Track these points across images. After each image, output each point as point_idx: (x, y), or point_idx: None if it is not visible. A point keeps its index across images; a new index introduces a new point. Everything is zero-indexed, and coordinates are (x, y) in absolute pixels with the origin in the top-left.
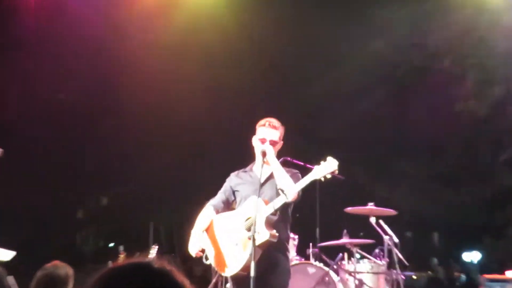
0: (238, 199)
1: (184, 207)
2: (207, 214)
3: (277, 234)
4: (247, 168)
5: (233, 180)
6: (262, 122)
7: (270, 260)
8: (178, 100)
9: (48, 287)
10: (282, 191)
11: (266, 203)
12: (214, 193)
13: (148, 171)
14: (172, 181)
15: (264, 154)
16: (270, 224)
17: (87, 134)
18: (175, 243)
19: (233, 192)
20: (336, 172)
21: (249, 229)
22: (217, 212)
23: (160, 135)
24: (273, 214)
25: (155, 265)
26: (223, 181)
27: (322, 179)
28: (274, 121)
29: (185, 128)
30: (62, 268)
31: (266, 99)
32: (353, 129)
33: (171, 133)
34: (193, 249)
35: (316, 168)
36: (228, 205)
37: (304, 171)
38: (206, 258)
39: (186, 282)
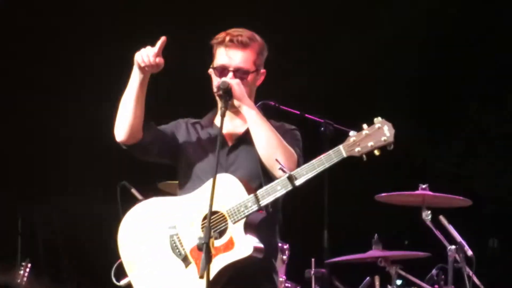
0: (183, 172)
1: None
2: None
3: (262, 246)
4: (204, 120)
5: (181, 130)
6: (220, 36)
7: None
8: None
9: None
10: (283, 167)
11: (245, 185)
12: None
13: None
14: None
15: (225, 93)
16: (252, 227)
17: None
18: (61, 254)
19: (173, 150)
20: (391, 147)
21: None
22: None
23: None
24: (260, 210)
25: None
26: None
27: (364, 157)
28: (242, 34)
29: None
30: None
31: None
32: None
33: None
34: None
35: (355, 137)
36: (161, 153)
37: (311, 136)
38: (119, 280)
39: None
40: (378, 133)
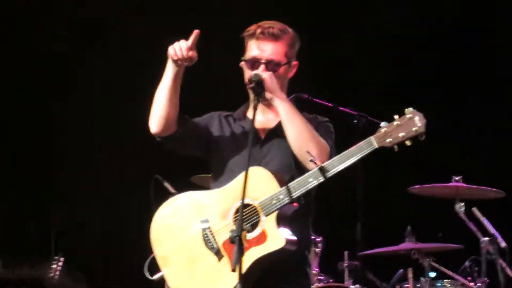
0: (216, 165)
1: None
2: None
3: (295, 239)
4: (237, 113)
5: (215, 123)
6: (251, 29)
7: (277, 284)
8: None
9: None
10: (314, 159)
11: (278, 178)
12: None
13: None
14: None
15: (257, 86)
16: (285, 220)
17: None
18: (94, 250)
19: (207, 143)
20: (423, 137)
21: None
22: None
23: None
24: (292, 202)
25: (52, 283)
26: None
27: (396, 147)
28: (274, 26)
29: None
30: None
31: None
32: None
33: None
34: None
35: (386, 128)
36: (194, 146)
37: (344, 127)
38: (152, 274)
39: None
40: (409, 123)
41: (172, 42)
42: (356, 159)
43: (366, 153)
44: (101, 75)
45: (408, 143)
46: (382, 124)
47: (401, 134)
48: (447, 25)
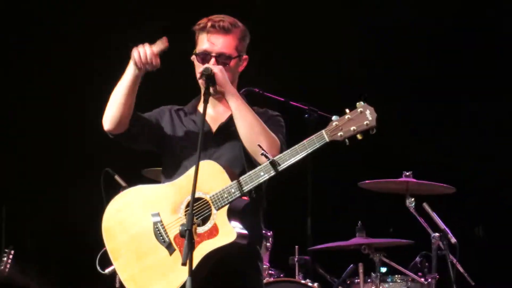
0: (167, 159)
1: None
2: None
3: (246, 233)
4: (188, 107)
5: (165, 117)
6: (202, 22)
7: (228, 278)
8: None
9: None
10: (265, 153)
11: (229, 172)
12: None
13: None
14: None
15: (208, 80)
16: (236, 214)
17: None
18: (46, 243)
19: (158, 137)
20: (374, 131)
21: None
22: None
23: None
24: (243, 196)
25: (1, 275)
26: None
27: (347, 141)
28: (224, 19)
29: None
30: None
31: None
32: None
33: None
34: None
35: (337, 121)
36: (147, 141)
37: (295, 121)
38: (104, 268)
39: None
40: (361, 117)
41: (136, 45)
42: (307, 152)
43: (317, 146)
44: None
45: (359, 136)
46: (334, 118)
47: (352, 128)
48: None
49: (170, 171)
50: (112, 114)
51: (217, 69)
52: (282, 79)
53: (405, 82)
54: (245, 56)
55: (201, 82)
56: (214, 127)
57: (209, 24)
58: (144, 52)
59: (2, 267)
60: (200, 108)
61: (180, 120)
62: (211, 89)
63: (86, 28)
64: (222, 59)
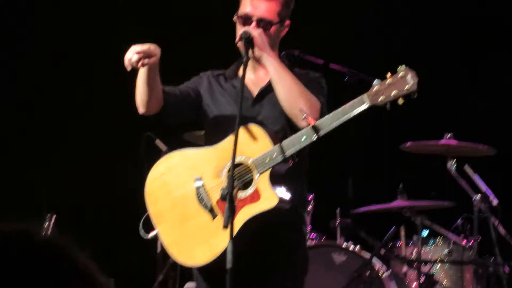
0: (209, 126)
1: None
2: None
3: (289, 197)
4: (228, 72)
5: (204, 84)
6: None
7: (272, 244)
8: None
9: None
10: (306, 115)
11: (271, 136)
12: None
13: None
14: None
15: (247, 43)
16: (279, 178)
17: None
18: (86, 209)
19: (198, 106)
20: (415, 95)
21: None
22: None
23: None
24: (285, 160)
25: (40, 236)
26: None
27: (388, 106)
28: None
29: None
30: None
31: None
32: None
33: None
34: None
35: (378, 86)
36: (183, 105)
37: (335, 86)
38: (147, 232)
39: (89, 266)
40: (402, 81)
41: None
42: (348, 117)
43: (359, 111)
44: None
45: (400, 101)
46: (375, 82)
47: (393, 93)
48: None
49: (213, 137)
50: (140, 99)
51: (256, 33)
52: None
53: (447, 42)
54: (287, 22)
55: (239, 45)
56: (255, 92)
57: None
58: (129, 58)
59: (45, 232)
60: (241, 72)
61: (220, 85)
62: (249, 53)
63: None
64: (263, 24)
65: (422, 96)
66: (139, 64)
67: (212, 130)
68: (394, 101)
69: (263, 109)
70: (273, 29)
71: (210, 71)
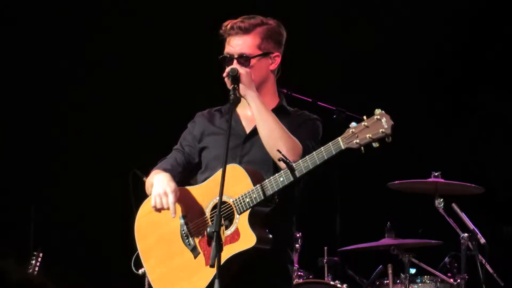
0: (204, 163)
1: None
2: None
3: (269, 237)
4: (225, 107)
5: (200, 124)
6: (224, 25)
7: (254, 284)
8: None
9: None
10: (284, 158)
11: (256, 176)
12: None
13: None
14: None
15: (233, 80)
16: (260, 218)
17: None
18: (75, 243)
19: (199, 149)
20: (389, 139)
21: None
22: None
23: None
24: (266, 202)
25: (16, 275)
26: None
27: (363, 149)
28: (244, 20)
29: None
30: None
31: None
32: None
33: None
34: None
35: (354, 128)
36: (189, 170)
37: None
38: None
39: None
40: (377, 125)
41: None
42: (323, 159)
43: (333, 153)
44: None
45: (375, 144)
46: (351, 125)
47: (368, 135)
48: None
49: (203, 173)
50: None
51: (243, 71)
52: (310, 79)
53: (435, 81)
54: (275, 54)
55: (226, 81)
56: (248, 129)
57: (228, 26)
58: (163, 201)
59: (31, 270)
60: (238, 109)
61: (214, 122)
62: (236, 91)
63: None
64: (243, 59)
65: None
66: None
67: (204, 165)
68: (368, 145)
69: (254, 147)
70: (254, 63)
71: (208, 109)
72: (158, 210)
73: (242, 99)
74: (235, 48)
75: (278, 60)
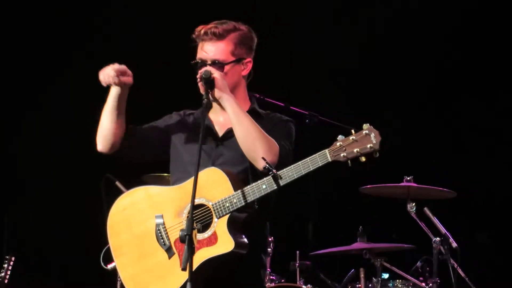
0: (175, 165)
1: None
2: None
3: (246, 242)
4: (198, 112)
5: (173, 124)
6: (197, 30)
7: (231, 284)
8: None
9: None
10: (269, 167)
11: (233, 179)
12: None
13: None
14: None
15: (207, 84)
16: (238, 223)
17: None
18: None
19: (165, 145)
20: (377, 155)
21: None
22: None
23: None
24: (245, 208)
25: None
26: None
27: (349, 163)
28: (217, 25)
29: None
30: None
31: None
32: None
33: None
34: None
35: (341, 142)
36: (148, 153)
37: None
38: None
39: None
40: (365, 139)
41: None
42: (309, 170)
43: (320, 165)
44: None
45: (362, 159)
46: (339, 137)
47: (355, 150)
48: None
49: (176, 176)
50: (101, 135)
51: (217, 74)
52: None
53: (407, 86)
54: (247, 59)
55: (200, 85)
56: (221, 132)
57: (202, 31)
58: (107, 73)
59: (2, 274)
60: (210, 114)
61: (187, 124)
62: (209, 94)
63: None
64: (217, 65)
65: (382, 139)
66: (116, 80)
67: (178, 168)
68: (356, 159)
69: (228, 150)
70: (228, 69)
71: (184, 110)
72: (104, 85)
73: (214, 104)
74: (209, 54)
75: (250, 65)
